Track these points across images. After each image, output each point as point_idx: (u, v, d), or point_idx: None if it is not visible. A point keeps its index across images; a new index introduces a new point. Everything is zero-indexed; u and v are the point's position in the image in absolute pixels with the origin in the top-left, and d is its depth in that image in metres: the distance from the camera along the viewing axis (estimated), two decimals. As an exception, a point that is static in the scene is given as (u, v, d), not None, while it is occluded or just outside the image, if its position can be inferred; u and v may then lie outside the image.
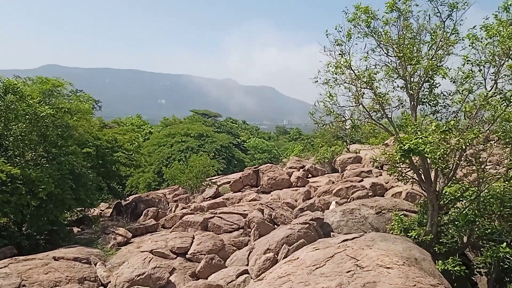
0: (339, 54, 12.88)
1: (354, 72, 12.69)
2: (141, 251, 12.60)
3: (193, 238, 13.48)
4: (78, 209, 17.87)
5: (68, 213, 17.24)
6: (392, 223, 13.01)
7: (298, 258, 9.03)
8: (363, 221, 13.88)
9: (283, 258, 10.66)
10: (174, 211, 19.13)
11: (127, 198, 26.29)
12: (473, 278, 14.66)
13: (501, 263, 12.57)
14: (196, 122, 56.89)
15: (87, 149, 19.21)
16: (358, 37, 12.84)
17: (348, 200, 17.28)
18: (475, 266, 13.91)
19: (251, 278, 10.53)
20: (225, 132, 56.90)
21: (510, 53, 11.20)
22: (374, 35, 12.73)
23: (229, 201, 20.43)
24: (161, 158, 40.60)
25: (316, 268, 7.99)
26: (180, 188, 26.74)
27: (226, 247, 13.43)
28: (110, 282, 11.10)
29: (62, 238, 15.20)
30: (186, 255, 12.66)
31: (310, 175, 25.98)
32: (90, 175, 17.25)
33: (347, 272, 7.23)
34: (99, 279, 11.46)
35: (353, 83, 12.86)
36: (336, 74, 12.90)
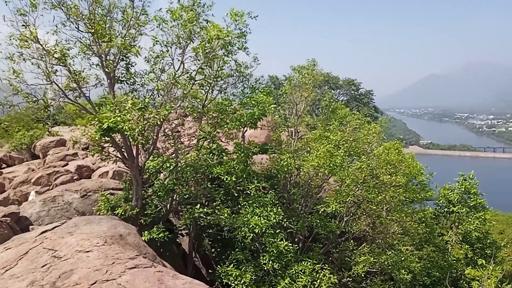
0: (23, 25, 11.32)
1: (42, 46, 11.45)
2: None
3: None
4: None
5: None
6: (99, 204, 12.81)
7: (-18, 265, 7.55)
8: (67, 208, 13.04)
9: (-35, 270, 8.73)
10: None
11: None
12: (178, 240, 16.40)
13: (198, 222, 14.54)
14: None
15: None
16: (45, 8, 11.61)
17: (51, 187, 15.87)
18: (178, 230, 15.55)
19: None
20: None
21: (192, 36, 12.69)
22: (62, 8, 11.79)
23: None
24: None
25: (6, 270, 6.88)
26: None
27: None
28: None
29: None
30: None
31: (4, 165, 22.74)
32: None
33: (42, 266, 6.55)
34: None
35: (42, 59, 11.62)
36: (21, 47, 11.32)
